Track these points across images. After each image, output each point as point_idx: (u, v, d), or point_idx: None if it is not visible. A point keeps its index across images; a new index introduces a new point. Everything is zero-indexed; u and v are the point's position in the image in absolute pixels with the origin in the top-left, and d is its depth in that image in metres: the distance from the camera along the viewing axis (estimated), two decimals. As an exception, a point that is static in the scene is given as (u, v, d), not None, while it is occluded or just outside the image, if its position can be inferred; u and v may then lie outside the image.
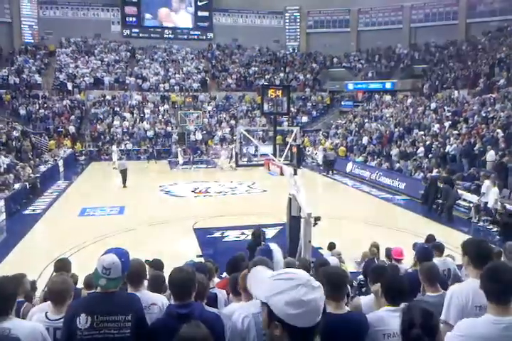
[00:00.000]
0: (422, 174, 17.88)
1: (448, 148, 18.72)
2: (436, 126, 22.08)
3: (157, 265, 5.02)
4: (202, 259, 8.56)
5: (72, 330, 2.68)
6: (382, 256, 7.72)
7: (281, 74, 37.82)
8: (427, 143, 20.30)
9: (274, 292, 1.53)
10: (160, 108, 33.31)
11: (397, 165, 20.25)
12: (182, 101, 33.80)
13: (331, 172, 23.10)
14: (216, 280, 5.65)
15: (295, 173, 10.15)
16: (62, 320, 3.08)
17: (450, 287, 3.10)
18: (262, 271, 1.76)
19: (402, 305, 2.67)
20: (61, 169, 23.90)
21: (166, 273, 6.22)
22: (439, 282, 3.74)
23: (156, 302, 3.25)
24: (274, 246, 3.61)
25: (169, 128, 31.25)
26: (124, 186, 19.26)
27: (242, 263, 5.11)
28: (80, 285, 5.56)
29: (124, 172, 19.32)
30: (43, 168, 20.78)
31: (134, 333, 2.73)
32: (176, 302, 2.84)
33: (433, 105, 25.81)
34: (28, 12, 37.14)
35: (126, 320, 2.70)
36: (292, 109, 30.48)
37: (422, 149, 19.98)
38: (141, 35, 39.73)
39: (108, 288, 2.79)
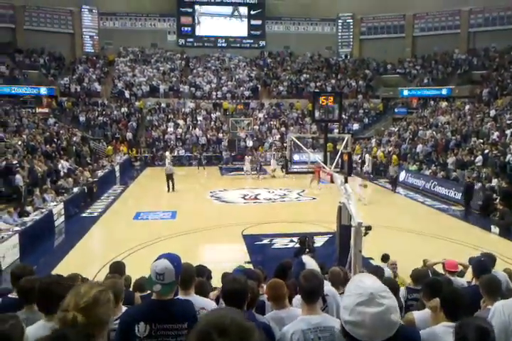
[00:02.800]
0: (479, 184, 17.17)
1: (508, 157, 17.88)
2: (496, 133, 21.17)
3: (200, 271, 5.04)
4: (251, 266, 8.60)
5: (129, 338, 2.71)
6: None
7: (333, 81, 37.54)
8: (486, 151, 19.48)
9: (346, 293, 1.55)
10: (212, 115, 33.90)
11: (454, 174, 19.54)
12: (233, 108, 34.26)
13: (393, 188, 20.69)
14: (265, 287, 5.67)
15: (346, 181, 10.02)
16: (115, 321, 3.16)
17: (495, 303, 2.97)
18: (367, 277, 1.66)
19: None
20: (117, 174, 24.76)
21: (213, 277, 6.30)
22: (501, 295, 3.55)
23: (206, 306, 3.28)
24: (306, 259, 3.65)
25: (221, 135, 31.72)
26: (168, 190, 19.82)
27: (289, 270, 5.10)
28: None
29: (170, 177, 19.84)
30: (100, 173, 21.58)
31: None
32: None
33: (492, 112, 24.77)
34: (89, 23, 38.99)
35: (183, 328, 2.73)
36: (344, 116, 30.12)
37: (480, 158, 19.19)
38: (195, 44, 40.69)
39: (163, 293, 2.81)
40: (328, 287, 3.93)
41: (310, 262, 3.59)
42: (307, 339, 2.74)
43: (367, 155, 26.04)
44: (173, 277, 2.81)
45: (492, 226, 13.69)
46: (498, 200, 15.07)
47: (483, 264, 4.73)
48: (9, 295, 3.88)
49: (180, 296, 3.38)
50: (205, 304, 3.35)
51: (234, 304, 2.88)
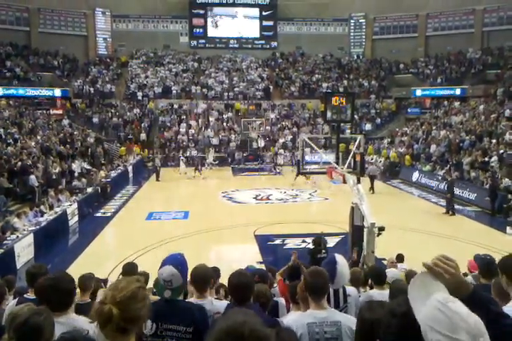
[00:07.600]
0: (488, 183, 17.00)
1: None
2: None
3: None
4: (263, 266, 8.60)
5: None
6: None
7: (345, 81, 37.39)
8: (501, 151, 19.25)
9: (431, 324, 1.29)
10: (224, 116, 33.98)
11: (473, 174, 19.27)
12: (245, 109, 34.29)
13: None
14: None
15: (358, 182, 9.99)
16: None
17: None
18: (430, 285, 1.46)
19: None
20: (130, 174, 24.94)
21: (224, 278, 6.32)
22: None
23: (221, 311, 3.20)
24: (339, 258, 3.53)
25: (233, 136, 31.78)
26: (157, 180, 23.18)
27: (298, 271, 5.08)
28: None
29: (157, 169, 23.73)
30: (113, 174, 21.78)
31: None
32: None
33: (507, 112, 24.47)
34: (102, 26, 39.34)
35: (187, 332, 2.72)
36: (356, 116, 29.98)
37: (495, 158, 18.97)
38: (207, 45, 40.84)
39: (173, 297, 2.85)
40: (351, 288, 3.98)
41: (341, 263, 3.53)
42: (311, 332, 2.74)
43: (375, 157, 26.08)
44: (180, 280, 2.83)
45: (508, 228, 13.53)
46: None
47: (491, 263, 4.63)
48: (25, 295, 3.93)
49: (195, 299, 3.30)
50: (222, 309, 3.23)
51: (241, 297, 2.88)
